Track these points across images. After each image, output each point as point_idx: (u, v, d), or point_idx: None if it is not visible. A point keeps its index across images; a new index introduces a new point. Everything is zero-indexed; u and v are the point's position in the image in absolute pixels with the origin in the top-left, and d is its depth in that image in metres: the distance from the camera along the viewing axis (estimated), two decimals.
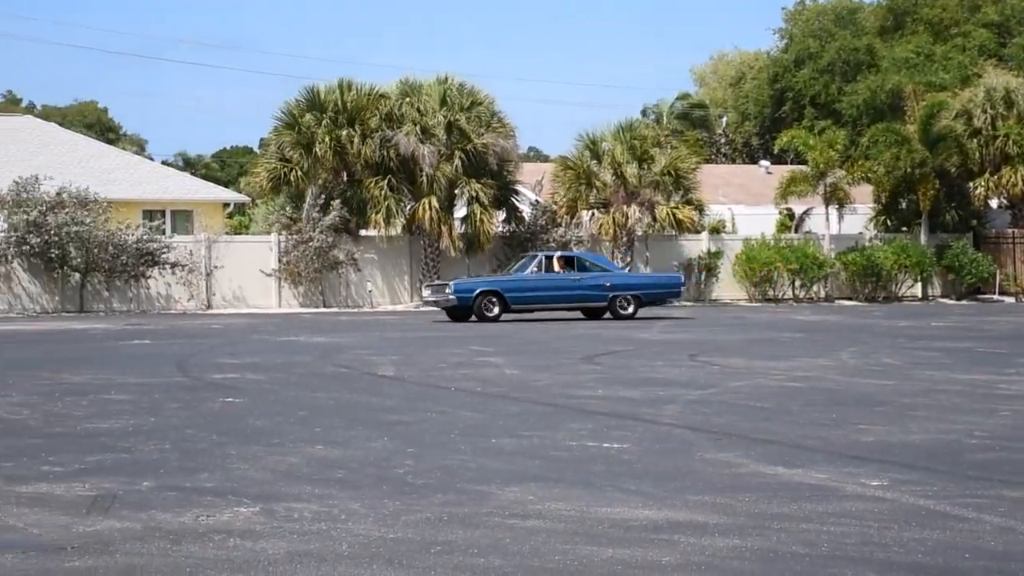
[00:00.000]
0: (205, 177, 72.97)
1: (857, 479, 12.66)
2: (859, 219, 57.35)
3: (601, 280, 41.39)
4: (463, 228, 49.35)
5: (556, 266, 41.50)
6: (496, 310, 40.21)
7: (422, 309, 47.62)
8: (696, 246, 52.84)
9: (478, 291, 40.30)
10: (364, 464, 13.58)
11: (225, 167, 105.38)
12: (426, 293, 42.95)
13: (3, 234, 45.30)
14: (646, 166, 50.27)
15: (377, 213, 48.06)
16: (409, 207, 48.98)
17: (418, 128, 48.02)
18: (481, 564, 9.38)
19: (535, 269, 41.30)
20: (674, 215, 50.10)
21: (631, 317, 40.49)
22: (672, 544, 9.98)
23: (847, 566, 9.31)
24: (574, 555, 9.63)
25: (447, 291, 40.41)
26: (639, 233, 51.32)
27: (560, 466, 13.47)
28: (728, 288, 52.82)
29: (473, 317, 39.98)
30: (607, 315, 40.79)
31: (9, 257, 45.28)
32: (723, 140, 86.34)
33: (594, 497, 11.81)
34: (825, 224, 55.00)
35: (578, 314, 43.21)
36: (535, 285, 40.98)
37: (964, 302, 53.03)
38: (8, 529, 10.65)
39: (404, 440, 15.13)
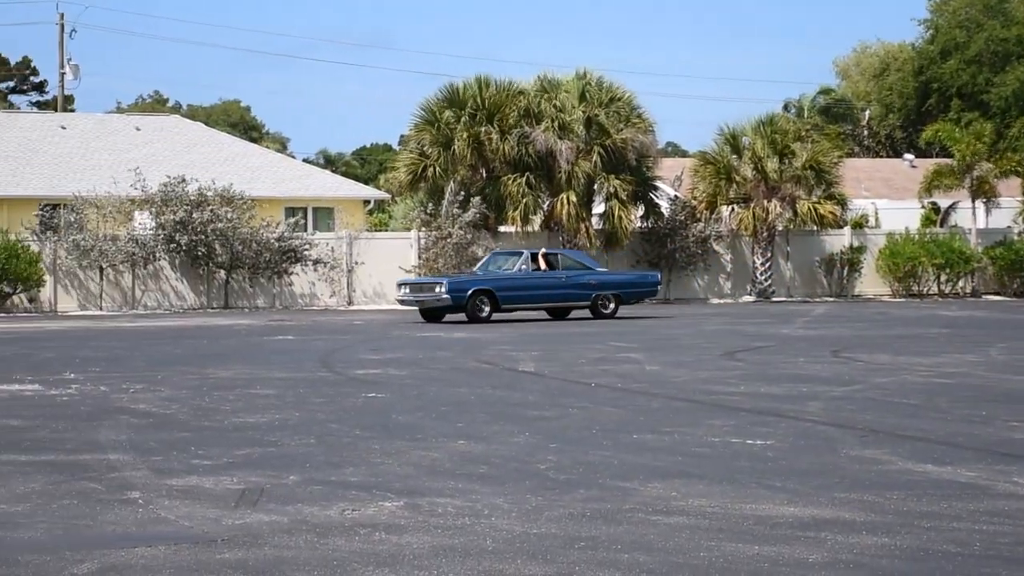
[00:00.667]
0: (345, 175, 73.58)
1: (1009, 477, 12.48)
2: (1007, 213, 56.51)
3: (586, 278, 39.84)
4: (601, 224, 49.29)
5: (542, 264, 39.70)
6: (487, 310, 38.25)
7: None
8: (838, 241, 52.36)
9: (472, 290, 38.17)
10: (506, 459, 13.62)
11: (365, 164, 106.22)
12: (403, 292, 40.05)
13: (152, 232, 46.01)
14: (787, 160, 49.89)
15: (515, 209, 48.12)
16: (547, 203, 49.05)
17: (556, 124, 47.99)
18: (625, 560, 9.37)
19: (523, 267, 39.34)
20: (815, 210, 49.67)
21: (612, 316, 39.56)
22: (819, 542, 9.90)
23: (1001, 566, 9.18)
24: (719, 552, 9.59)
25: (438, 289, 38.11)
26: (779, 228, 50.96)
27: (703, 462, 13.42)
28: (871, 283, 52.29)
29: (447, 317, 38.85)
30: (574, 314, 40.06)
31: (157, 255, 45.99)
32: (866, 134, 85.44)
33: (738, 494, 11.75)
34: (971, 218, 54.27)
35: (713, 308, 42.92)
36: (525, 284, 39.16)
37: None
38: (160, 521, 10.83)
39: (546, 436, 15.16)
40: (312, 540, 10.07)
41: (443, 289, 38.07)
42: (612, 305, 39.69)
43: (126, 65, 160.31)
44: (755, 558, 9.41)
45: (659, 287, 42.86)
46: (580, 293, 39.58)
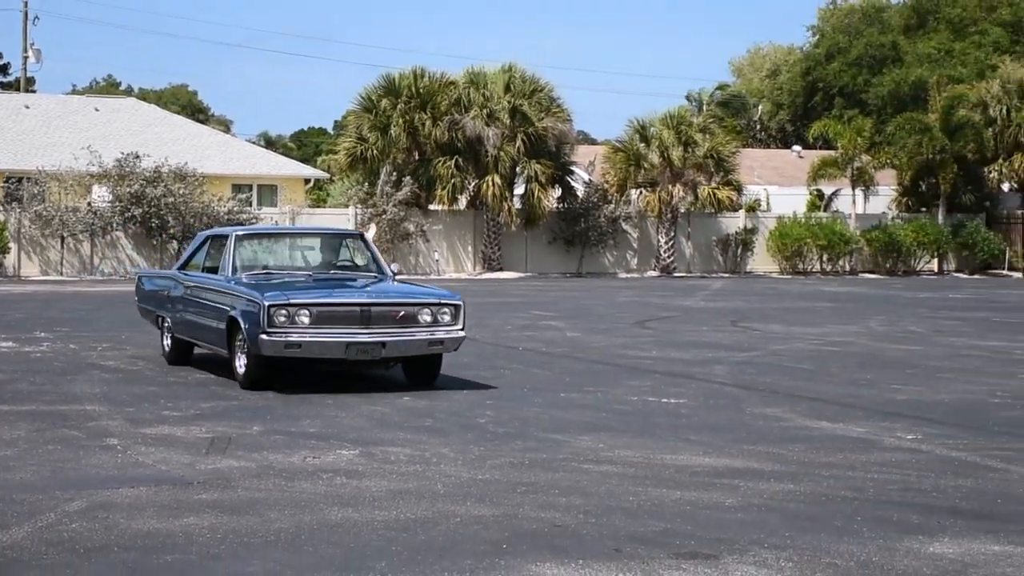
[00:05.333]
0: (284, 155, 73.16)
1: (894, 433, 12.77)
2: (882, 200, 57.05)
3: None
4: (522, 204, 49.33)
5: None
6: None
7: (483, 276, 47.75)
8: (734, 223, 52.72)
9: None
10: (448, 414, 13.75)
11: (302, 147, 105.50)
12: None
13: (109, 205, 45.60)
14: (690, 149, 50.10)
15: (444, 189, 48.06)
16: (473, 184, 49.01)
17: (484, 112, 47.95)
18: (563, 503, 9.54)
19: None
20: (715, 194, 49.96)
21: None
22: (733, 488, 10.11)
23: (892, 509, 9.43)
24: (646, 496, 9.77)
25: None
26: (682, 210, 51.26)
27: (625, 418, 13.62)
28: (762, 261, 52.69)
29: None
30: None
31: (114, 226, 45.55)
32: (759, 127, 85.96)
33: (658, 446, 11.95)
34: (851, 204, 54.77)
35: (622, 282, 43.17)
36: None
37: (977, 276, 52.77)
38: (139, 465, 10.88)
39: (482, 393, 15.31)
40: (280, 483, 10.17)
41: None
42: None
43: (82, 50, 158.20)
44: (678, 502, 9.60)
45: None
46: None
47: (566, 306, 32.13)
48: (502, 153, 47.92)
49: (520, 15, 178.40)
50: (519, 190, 49.81)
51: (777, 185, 62.36)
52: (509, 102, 48.51)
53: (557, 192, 50.76)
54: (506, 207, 48.35)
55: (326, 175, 61.88)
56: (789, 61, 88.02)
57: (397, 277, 16.90)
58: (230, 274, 16.25)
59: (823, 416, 13.84)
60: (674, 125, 50.60)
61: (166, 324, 18.18)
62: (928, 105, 57.87)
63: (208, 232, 18.97)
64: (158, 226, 45.50)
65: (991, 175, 55.39)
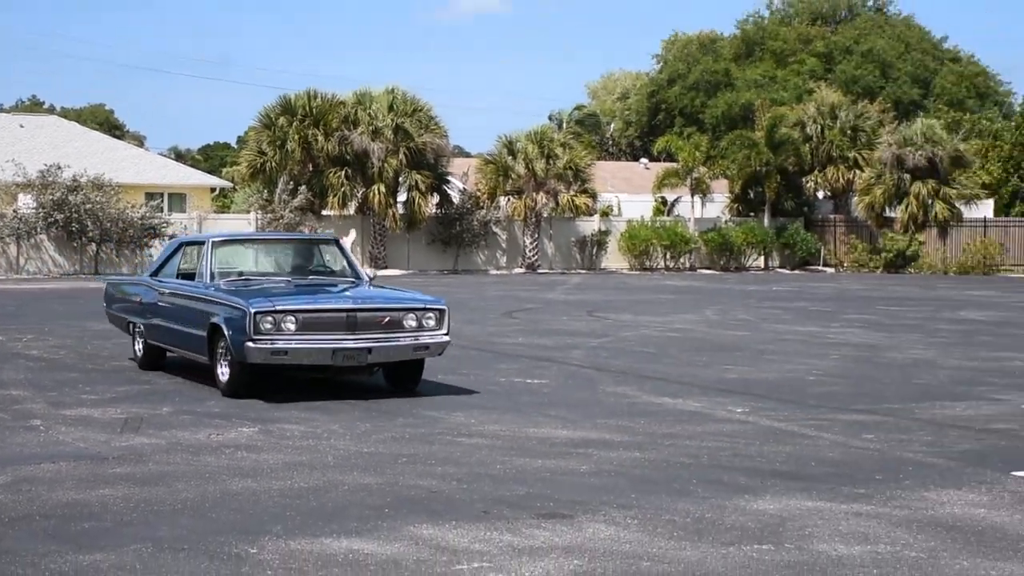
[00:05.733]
0: (192, 167, 72.12)
1: (725, 407, 12.92)
2: (717, 206, 57.72)
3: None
4: (404, 209, 49.14)
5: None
6: None
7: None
8: (590, 226, 52.97)
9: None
10: (337, 394, 13.65)
11: (209, 159, 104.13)
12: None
13: (33, 211, 44.65)
14: (552, 162, 50.23)
15: (335, 197, 47.76)
16: (361, 192, 48.67)
17: (370, 129, 47.72)
18: (439, 471, 9.52)
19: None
20: (573, 201, 50.19)
21: None
22: (587, 456, 10.16)
23: (723, 472, 9.55)
24: (511, 464, 9.79)
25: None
26: (545, 215, 51.35)
27: (494, 397, 13.62)
28: (614, 259, 52.99)
29: None
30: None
31: (38, 230, 44.59)
32: (611, 142, 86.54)
33: (523, 421, 11.97)
34: (691, 210, 55.31)
35: (493, 278, 43.16)
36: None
37: (797, 272, 53.56)
38: (59, 443, 10.67)
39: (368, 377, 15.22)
40: (187, 458, 10.03)
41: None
42: None
43: (8, 73, 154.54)
44: (539, 469, 9.63)
45: None
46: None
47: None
48: (386, 165, 47.69)
49: (405, 42, 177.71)
50: (402, 197, 49.55)
51: (627, 193, 62.79)
52: (392, 120, 48.27)
53: (436, 199, 50.59)
54: (390, 212, 48.15)
55: (230, 184, 61.13)
56: (637, 85, 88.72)
57: (372, 282, 15.09)
58: (208, 280, 14.31)
59: (665, 393, 13.97)
60: (538, 140, 50.76)
61: (138, 330, 16.09)
62: (755, 124, 58.61)
63: (182, 238, 16.94)
64: (78, 230, 44.65)
65: (808, 184, 56.26)
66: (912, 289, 38.19)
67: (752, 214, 56.21)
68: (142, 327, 15.87)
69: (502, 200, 51.45)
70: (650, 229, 52.99)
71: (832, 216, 56.96)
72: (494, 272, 50.44)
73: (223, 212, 56.38)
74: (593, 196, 51.89)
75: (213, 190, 60.21)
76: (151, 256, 46.52)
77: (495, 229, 51.62)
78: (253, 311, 12.74)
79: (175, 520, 7.94)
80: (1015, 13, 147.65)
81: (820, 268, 54.87)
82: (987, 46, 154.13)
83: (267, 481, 9.12)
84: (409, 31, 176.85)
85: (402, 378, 13.91)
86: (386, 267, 48.83)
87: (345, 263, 15.22)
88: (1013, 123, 67.12)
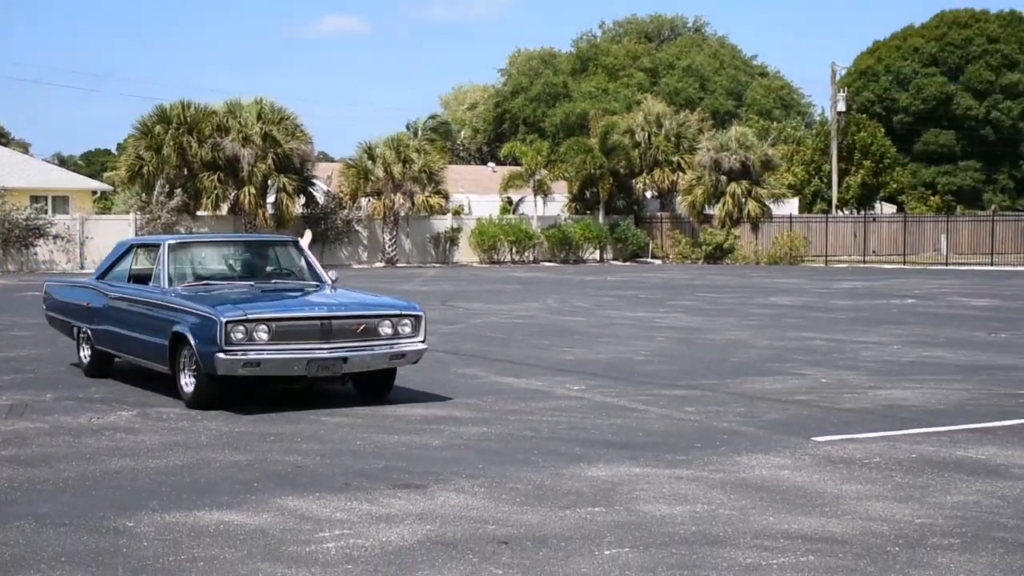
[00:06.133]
0: (75, 172, 70.15)
1: (564, 385, 13.02)
2: (557, 205, 58.11)
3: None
4: (273, 210, 48.49)
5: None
6: None
7: None
8: (443, 223, 52.93)
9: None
10: None
11: (91, 164, 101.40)
12: None
13: None
14: (408, 166, 50.04)
15: (209, 199, 46.99)
16: (233, 194, 47.92)
17: (240, 136, 47.03)
18: (304, 448, 9.42)
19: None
20: (428, 201, 50.12)
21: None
22: (439, 432, 10.16)
23: (561, 443, 9.62)
24: (371, 440, 9.74)
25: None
26: (402, 214, 51.16)
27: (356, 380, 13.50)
28: (465, 254, 53.05)
29: None
30: None
31: None
32: (462, 148, 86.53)
33: (382, 401, 11.91)
34: (534, 208, 55.61)
35: (355, 271, 42.83)
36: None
37: (628, 263, 54.26)
38: None
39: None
40: (69, 440, 9.77)
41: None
42: None
43: None
44: (396, 444, 9.60)
45: None
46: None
47: None
48: (256, 169, 47.07)
49: (273, 56, 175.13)
50: (271, 199, 48.91)
51: (476, 194, 62.84)
52: (261, 128, 47.61)
53: (302, 200, 50.06)
54: (260, 213, 47.51)
55: (110, 188, 59.53)
56: (484, 96, 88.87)
57: (335, 284, 12.99)
58: (166, 285, 12.32)
59: (510, 373, 14.02)
60: (395, 147, 50.56)
61: (83, 335, 13.93)
62: (590, 131, 59.19)
63: (132, 240, 14.72)
64: None
65: (638, 185, 56.97)
66: (729, 278, 38.95)
67: (588, 212, 56.73)
68: (89, 332, 13.67)
69: (363, 201, 51.14)
70: (497, 226, 53.19)
71: (659, 213, 57.79)
72: (356, 266, 50.09)
73: (104, 214, 54.89)
74: (446, 197, 51.87)
75: (94, 193, 58.70)
76: (35, 255, 45.24)
77: (357, 227, 51.30)
78: (224, 320, 10.80)
79: (57, 498, 7.72)
80: (815, 35, 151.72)
81: (649, 260, 55.65)
82: (791, 63, 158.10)
83: (144, 460, 8.93)
84: (277, 46, 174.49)
85: (373, 387, 12.05)
86: None
87: (305, 265, 13.27)
88: (813, 131, 68.87)
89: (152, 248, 13.52)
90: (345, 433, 10.04)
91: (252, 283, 12.64)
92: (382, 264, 50.66)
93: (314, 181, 51.23)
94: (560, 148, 57.89)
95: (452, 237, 52.80)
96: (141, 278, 13.20)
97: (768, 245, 52.65)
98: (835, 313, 23.41)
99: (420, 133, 59.68)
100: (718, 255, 52.97)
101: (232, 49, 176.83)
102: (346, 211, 50.46)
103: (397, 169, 50.01)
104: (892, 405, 11.58)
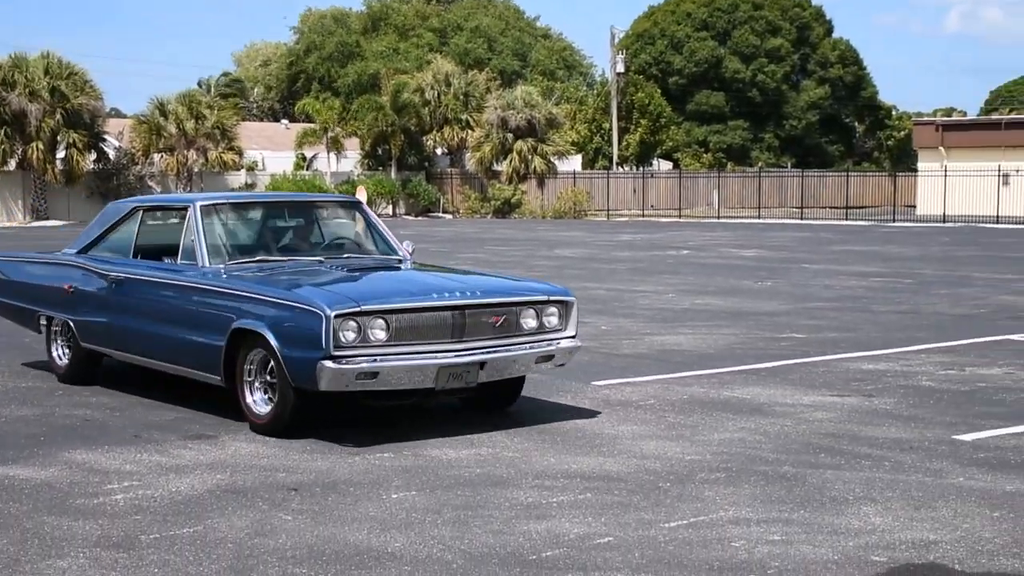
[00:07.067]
0: None
1: None
2: (351, 161, 57.52)
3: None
4: (63, 166, 46.56)
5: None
6: None
7: (32, 224, 44.79)
8: (237, 180, 51.77)
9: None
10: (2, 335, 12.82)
11: None
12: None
13: None
14: (201, 122, 48.74)
15: None
16: (21, 149, 45.81)
17: (27, 91, 44.91)
18: (94, 401, 9.08)
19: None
20: (221, 157, 49.01)
21: None
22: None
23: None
24: (163, 395, 9.44)
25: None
26: (196, 170, 49.87)
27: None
28: None
29: None
30: None
31: None
32: (255, 105, 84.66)
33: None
34: (327, 164, 55.00)
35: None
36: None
37: (420, 218, 54.23)
38: None
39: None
40: None
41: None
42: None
43: None
44: (188, 396, 9.31)
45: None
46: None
47: None
48: (44, 125, 45.10)
49: (59, 8, 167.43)
50: (61, 154, 46.96)
51: (271, 150, 61.71)
52: (49, 83, 45.60)
53: (93, 156, 48.26)
54: (50, 169, 45.60)
55: None
56: (278, 54, 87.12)
57: (413, 258, 9.70)
58: (205, 263, 8.63)
59: None
60: (188, 103, 49.26)
61: (56, 328, 10.20)
62: (382, 90, 58.74)
63: (134, 201, 10.45)
64: None
65: (429, 142, 56.93)
66: (516, 232, 39.36)
67: (381, 168, 56.44)
68: (72, 325, 9.88)
69: (156, 157, 49.67)
70: (292, 182, 52.31)
71: (449, 170, 57.92)
72: None
73: None
74: (240, 153, 50.86)
75: None
76: None
77: (151, 183, 49.77)
78: (333, 314, 7.42)
79: None
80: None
81: (440, 214, 55.75)
82: (572, 26, 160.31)
83: None
84: (66, 1, 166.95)
85: (494, 397, 8.76)
86: (47, 218, 46.31)
87: (375, 234, 9.76)
88: (595, 91, 70.05)
89: (170, 212, 10.06)
90: (138, 387, 9.71)
91: (320, 258, 9.05)
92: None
93: (105, 137, 49.41)
94: (353, 106, 57.30)
95: None
96: (153, 252, 9.46)
97: (553, 200, 53.43)
98: (615, 264, 23.94)
99: (213, 90, 58.32)
100: (506, 210, 53.48)
101: (18, 3, 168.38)
102: (139, 167, 48.90)
103: (190, 125, 48.70)
104: (667, 350, 11.92)
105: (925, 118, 57.48)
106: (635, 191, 55.96)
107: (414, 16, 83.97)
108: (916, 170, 52.72)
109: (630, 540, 5.66)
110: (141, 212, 9.89)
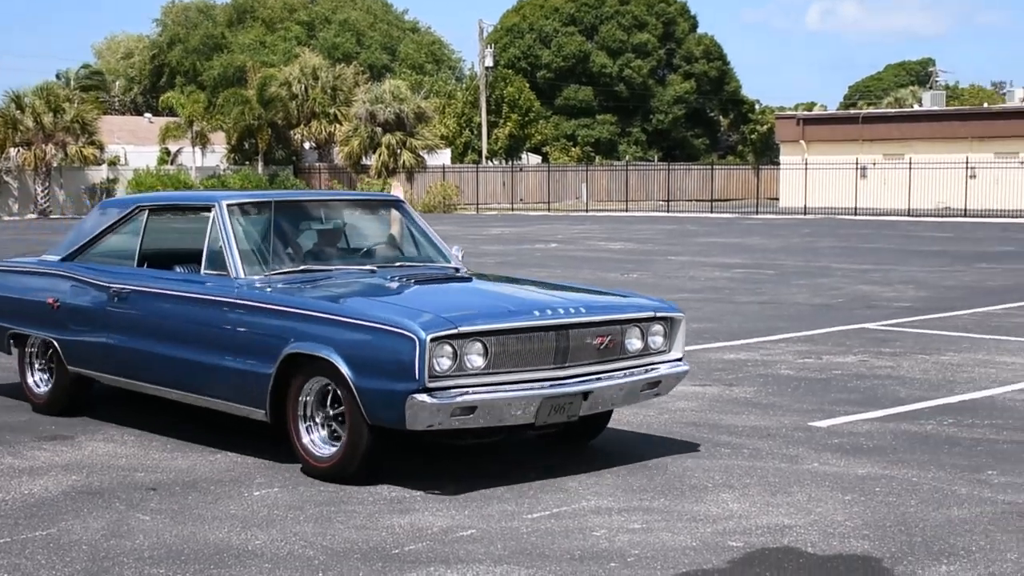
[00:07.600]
0: None
1: None
2: (217, 156, 56.61)
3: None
4: None
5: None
6: None
7: None
8: (99, 174, 50.58)
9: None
10: None
11: None
12: None
13: None
14: (60, 116, 47.47)
15: None
16: None
17: None
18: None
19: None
20: (81, 152, 47.86)
21: None
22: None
23: None
24: (18, 396, 9.16)
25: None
26: (55, 165, 48.53)
27: None
28: None
29: None
30: None
31: None
32: (116, 99, 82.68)
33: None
34: (193, 159, 54.04)
35: (5, 223, 40.19)
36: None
37: None
38: None
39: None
40: None
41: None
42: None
43: None
44: None
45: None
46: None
47: None
48: None
49: None
50: None
51: (133, 145, 60.29)
52: None
53: None
54: None
55: None
56: (140, 47, 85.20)
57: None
58: (239, 273, 7.15)
59: None
60: (46, 96, 47.95)
61: (32, 349, 8.66)
62: (248, 83, 57.93)
63: (135, 199, 8.51)
64: None
65: (296, 136, 56.38)
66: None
67: (248, 163, 55.69)
68: (57, 345, 8.29)
69: (12, 151, 48.19)
70: (155, 177, 51.28)
71: (318, 164, 57.46)
72: (8, 218, 47.20)
73: None
74: (101, 147, 49.72)
75: None
76: None
77: (7, 178, 48.39)
78: (428, 337, 6.11)
79: None
80: None
81: None
82: (441, 19, 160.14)
83: None
84: None
85: (587, 426, 7.45)
86: None
87: (424, 239, 8.38)
88: (464, 85, 70.14)
89: (184, 212, 8.44)
90: None
91: (372, 267, 7.69)
92: (35, 216, 47.93)
93: None
94: (219, 100, 56.37)
95: (108, 188, 50.52)
96: (163, 259, 8.10)
97: (423, 194, 53.35)
98: (484, 258, 23.99)
99: (73, 82, 56.83)
100: None
101: None
102: None
103: (48, 119, 47.42)
104: None
105: (787, 112, 58.94)
106: (504, 185, 56.20)
107: (281, 9, 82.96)
108: (778, 163, 54.06)
109: (493, 532, 5.68)
110: (146, 213, 8.18)
